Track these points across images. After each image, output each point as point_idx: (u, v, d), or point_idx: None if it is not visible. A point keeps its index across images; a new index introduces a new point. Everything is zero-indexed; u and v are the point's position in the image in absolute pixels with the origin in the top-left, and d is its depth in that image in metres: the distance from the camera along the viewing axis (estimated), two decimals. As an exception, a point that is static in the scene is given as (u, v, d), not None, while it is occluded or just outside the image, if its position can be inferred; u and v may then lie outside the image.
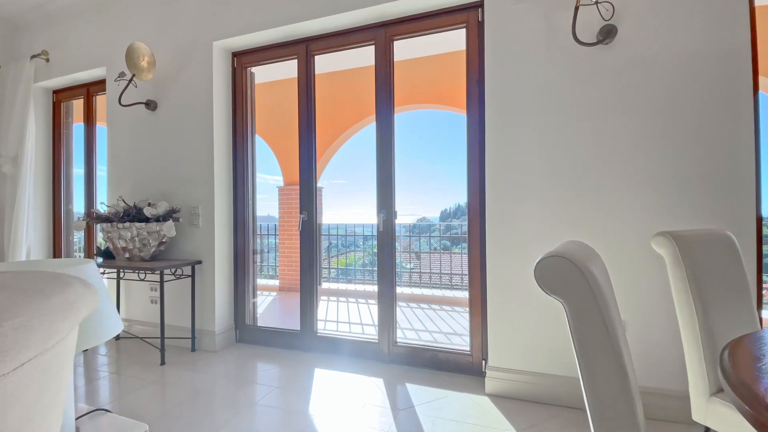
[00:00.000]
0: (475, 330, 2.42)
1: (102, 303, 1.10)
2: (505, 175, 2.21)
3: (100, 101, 3.72)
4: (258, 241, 6.06)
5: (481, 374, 2.37)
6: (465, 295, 4.78)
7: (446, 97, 4.67)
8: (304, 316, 2.90)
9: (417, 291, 5.06)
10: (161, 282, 2.70)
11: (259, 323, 3.72)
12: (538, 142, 2.14)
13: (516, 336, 2.17)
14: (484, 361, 2.37)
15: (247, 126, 3.17)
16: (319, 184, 5.89)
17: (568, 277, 0.68)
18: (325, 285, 5.45)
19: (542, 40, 2.12)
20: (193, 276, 2.95)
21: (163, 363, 2.67)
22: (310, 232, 2.91)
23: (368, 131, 5.46)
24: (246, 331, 3.11)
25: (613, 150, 2.00)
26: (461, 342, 3.25)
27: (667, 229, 1.49)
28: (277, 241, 5.72)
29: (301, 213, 2.89)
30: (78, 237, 4.44)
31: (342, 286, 5.41)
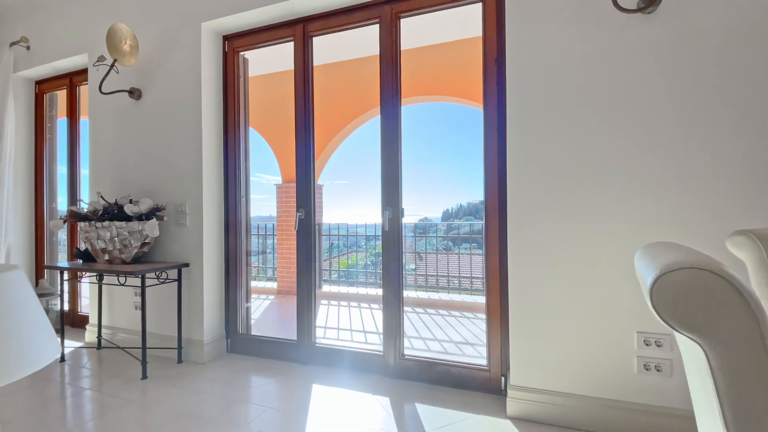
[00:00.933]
0: (493, 342, 2.15)
1: (23, 324, 0.83)
2: (530, 167, 1.93)
3: (85, 93, 3.46)
4: (256, 241, 5.79)
5: (501, 393, 2.09)
6: (474, 299, 4.50)
7: (452, 88, 4.39)
8: (301, 325, 2.63)
9: (423, 294, 4.79)
10: (142, 287, 2.44)
11: (254, 330, 3.45)
12: (570, 128, 1.86)
13: (542, 350, 1.90)
14: (504, 378, 2.09)
15: (239, 117, 2.90)
16: (318, 182, 5.63)
17: (719, 303, 0.41)
18: (325, 288, 5.18)
19: (574, 7, 1.84)
20: (179, 280, 2.69)
21: (144, 377, 2.41)
22: (307, 231, 2.64)
23: (370, 126, 5.19)
24: (238, 341, 2.84)
25: (671, 137, 1.72)
26: (474, 353, 2.97)
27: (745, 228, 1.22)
28: (275, 241, 5.46)
29: (297, 210, 2.62)
30: (62, 237, 4.19)
31: (343, 289, 5.14)
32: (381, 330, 2.42)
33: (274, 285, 5.24)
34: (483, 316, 3.91)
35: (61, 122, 3.80)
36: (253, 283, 5.49)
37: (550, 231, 1.89)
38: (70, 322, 3.51)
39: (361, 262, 7.30)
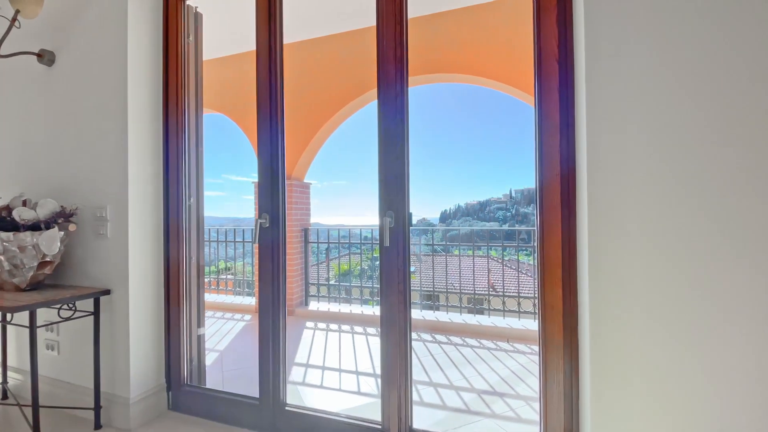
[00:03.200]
0: (553, 396, 1.39)
1: None
2: (626, 134, 1.18)
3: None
4: (226, 250, 5.01)
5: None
6: (509, 323, 3.73)
7: (464, 65, 3.64)
8: (264, 378, 1.87)
9: (429, 314, 4.02)
10: (31, 327, 1.67)
11: (214, 369, 2.70)
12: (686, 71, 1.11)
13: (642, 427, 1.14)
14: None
15: (187, 93, 2.14)
16: (306, 180, 4.87)
17: None
18: (312, 306, 4.41)
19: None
20: (96, 314, 1.92)
21: (31, 461, 1.64)
22: (273, 244, 1.87)
23: (367, 112, 4.43)
24: (183, 395, 2.07)
25: None
26: (526, 414, 2.18)
27: None
28: (253, 249, 4.68)
29: (259, 217, 1.86)
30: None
31: (334, 306, 4.37)
32: (379, 388, 1.65)
33: (251, 301, 4.47)
34: (522, 347, 3.15)
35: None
36: (228, 300, 4.71)
37: (670, 263, 1.14)
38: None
39: (357, 271, 6.53)
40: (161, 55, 2.13)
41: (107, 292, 1.94)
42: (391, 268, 1.61)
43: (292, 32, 4.07)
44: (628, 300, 1.19)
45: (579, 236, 1.39)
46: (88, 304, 1.92)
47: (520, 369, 2.72)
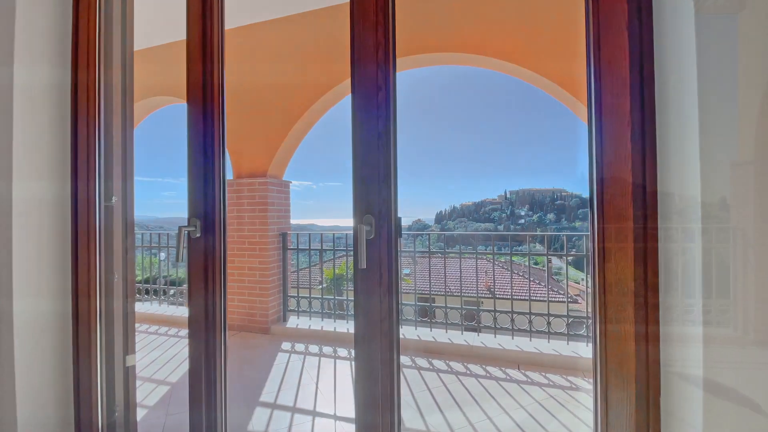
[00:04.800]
0: None
1: None
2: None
3: None
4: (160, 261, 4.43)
5: None
6: (538, 346, 3.21)
7: (462, 42, 3.13)
8: (196, 452, 1.33)
9: (424, 332, 3.50)
10: None
11: (154, 415, 2.14)
12: None
13: None
14: None
15: (98, 50, 1.60)
16: (285, 178, 4.33)
17: None
18: (292, 322, 3.86)
19: None
20: (-40, 359, 1.37)
21: None
22: (206, 259, 1.33)
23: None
24: (91, 465, 1.52)
25: None
26: None
27: None
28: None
29: (188, 224, 1.32)
30: None
31: (316, 322, 3.82)
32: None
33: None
34: (535, 376, 2.63)
35: None
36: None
37: None
38: None
39: (351, 271, 6.02)
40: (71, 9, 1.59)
41: (-22, 327, 1.39)
42: (371, 301, 1.08)
43: (259, 10, 3.54)
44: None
45: (667, 254, 0.88)
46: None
47: (538, 410, 2.21)
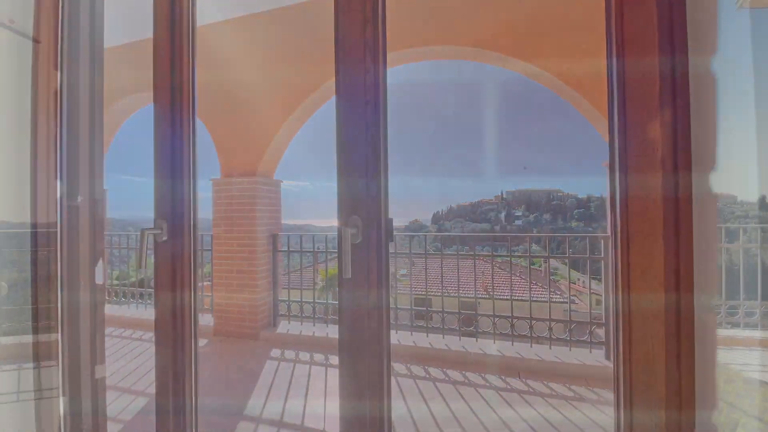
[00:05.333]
0: None
1: None
2: None
3: None
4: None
5: None
6: (555, 355, 3.07)
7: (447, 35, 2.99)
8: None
9: (420, 338, 3.36)
10: None
11: (133, 428, 2.00)
12: None
13: None
14: None
15: (65, 50, 1.45)
16: (276, 177, 4.17)
17: None
18: (283, 327, 3.70)
19: None
20: None
21: None
22: (175, 265, 1.19)
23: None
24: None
25: None
26: None
27: None
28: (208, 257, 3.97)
29: (155, 225, 1.18)
30: None
31: (308, 327, 3.67)
32: None
33: (208, 320, 3.75)
34: (537, 386, 2.48)
35: None
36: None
37: None
38: None
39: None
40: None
41: None
42: (357, 315, 0.94)
43: (250, 3, 3.40)
44: None
45: (702, 275, 0.75)
46: None
47: (544, 426, 2.07)
